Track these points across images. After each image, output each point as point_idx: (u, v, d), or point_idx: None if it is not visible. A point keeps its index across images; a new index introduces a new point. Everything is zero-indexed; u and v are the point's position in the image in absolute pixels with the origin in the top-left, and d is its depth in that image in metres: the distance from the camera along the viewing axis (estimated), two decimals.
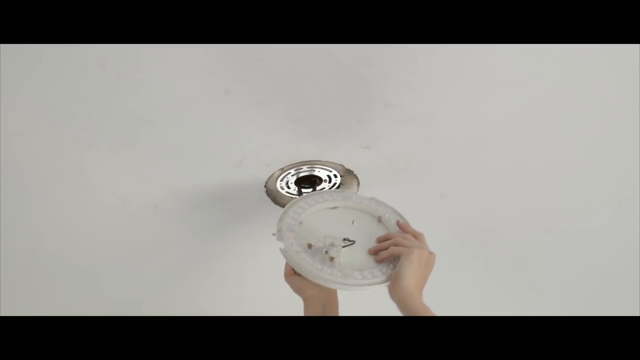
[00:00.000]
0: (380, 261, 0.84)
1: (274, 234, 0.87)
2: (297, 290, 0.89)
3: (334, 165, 1.00)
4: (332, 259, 0.83)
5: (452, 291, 0.80)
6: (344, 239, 0.87)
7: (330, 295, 0.88)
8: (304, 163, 0.99)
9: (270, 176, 1.01)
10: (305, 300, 0.88)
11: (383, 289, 0.81)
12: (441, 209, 0.92)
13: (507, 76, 0.82)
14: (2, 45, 0.69)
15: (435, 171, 1.03)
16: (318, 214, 0.92)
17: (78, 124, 0.85)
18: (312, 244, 0.85)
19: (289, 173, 1.00)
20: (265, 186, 1.03)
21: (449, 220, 0.91)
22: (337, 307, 0.89)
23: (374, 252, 0.86)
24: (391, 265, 0.83)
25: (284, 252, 0.84)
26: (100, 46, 0.71)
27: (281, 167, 0.99)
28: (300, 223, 0.89)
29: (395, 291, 0.78)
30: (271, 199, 1.06)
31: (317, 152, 0.96)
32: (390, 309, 0.76)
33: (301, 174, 1.00)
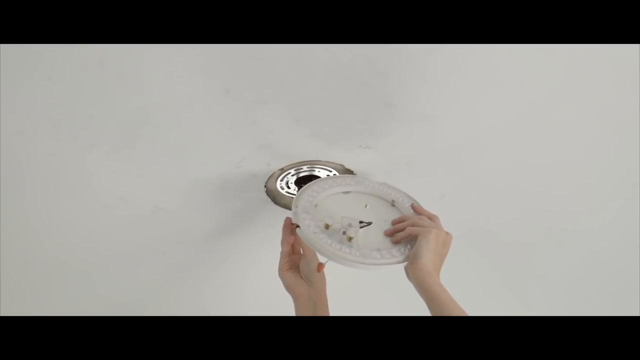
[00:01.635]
0: (397, 242, 0.84)
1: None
2: (288, 287, 0.89)
3: (334, 165, 1.00)
4: (350, 239, 0.83)
5: (453, 290, 0.80)
6: (360, 221, 0.87)
7: (320, 294, 0.88)
8: (304, 163, 0.99)
9: (270, 176, 1.01)
10: (295, 298, 0.88)
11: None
12: (441, 209, 0.92)
13: (507, 76, 0.82)
14: (2, 45, 0.69)
15: (435, 171, 1.03)
16: (331, 198, 0.92)
17: (78, 124, 0.85)
18: (330, 224, 0.85)
19: (289, 173, 1.00)
20: (265, 186, 1.03)
21: (449, 220, 0.90)
22: (327, 305, 0.89)
23: (390, 234, 0.86)
24: (408, 246, 0.83)
25: (301, 232, 0.84)
26: (100, 46, 0.71)
27: (281, 167, 0.99)
28: (315, 206, 0.89)
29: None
30: (271, 199, 1.06)
31: (317, 152, 0.96)
32: (390, 310, 0.76)
33: (301, 174, 1.00)
